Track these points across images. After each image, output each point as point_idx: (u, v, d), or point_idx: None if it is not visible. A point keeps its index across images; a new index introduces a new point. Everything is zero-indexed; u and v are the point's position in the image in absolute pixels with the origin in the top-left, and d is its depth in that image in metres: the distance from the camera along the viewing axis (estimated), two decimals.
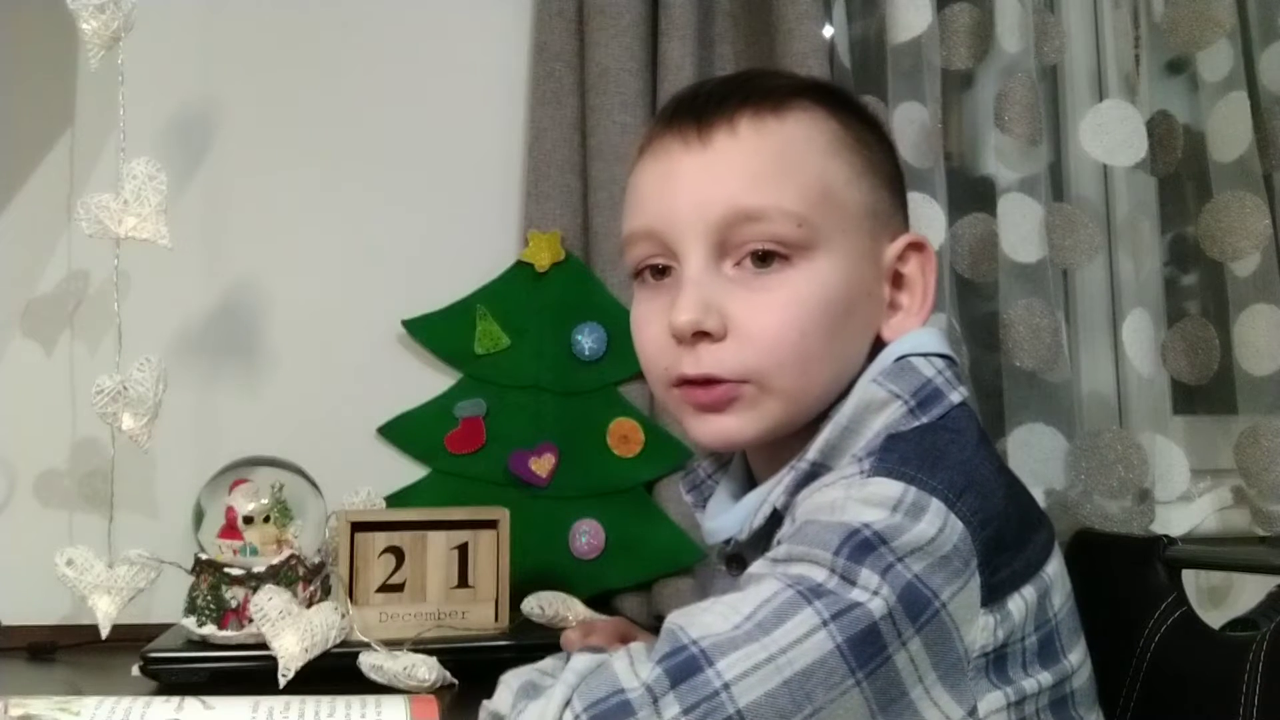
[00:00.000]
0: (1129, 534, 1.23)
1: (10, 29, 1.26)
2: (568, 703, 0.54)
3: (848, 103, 0.73)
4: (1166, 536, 0.81)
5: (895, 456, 0.60)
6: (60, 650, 1.11)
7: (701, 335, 0.65)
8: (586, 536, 1.24)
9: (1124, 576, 0.81)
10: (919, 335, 0.69)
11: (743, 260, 0.66)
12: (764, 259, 0.66)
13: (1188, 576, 0.80)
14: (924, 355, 0.66)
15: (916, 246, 0.71)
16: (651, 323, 0.69)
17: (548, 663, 0.61)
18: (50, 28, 1.22)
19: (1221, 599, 1.32)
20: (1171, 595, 0.78)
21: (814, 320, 0.65)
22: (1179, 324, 1.39)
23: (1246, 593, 0.95)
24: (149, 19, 1.08)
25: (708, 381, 0.66)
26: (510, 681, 0.59)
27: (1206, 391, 1.39)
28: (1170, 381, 1.39)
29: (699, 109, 0.68)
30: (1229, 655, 0.69)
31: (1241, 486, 1.34)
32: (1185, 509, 1.36)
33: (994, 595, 0.58)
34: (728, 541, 0.71)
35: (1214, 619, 0.78)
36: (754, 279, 0.66)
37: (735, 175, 0.66)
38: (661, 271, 0.69)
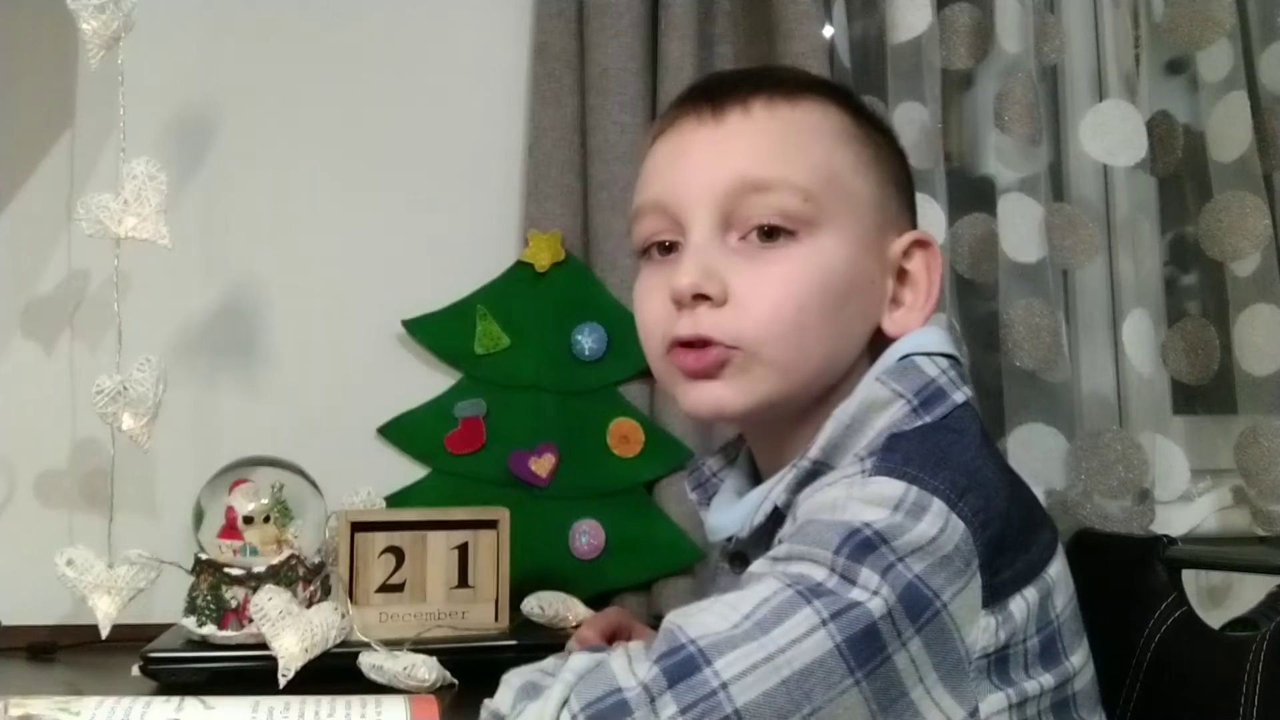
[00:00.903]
0: (1129, 534, 1.23)
1: (10, 29, 1.26)
2: (565, 702, 0.54)
3: (858, 104, 0.74)
4: (1166, 536, 0.81)
5: (897, 456, 0.60)
6: (60, 650, 1.11)
7: (701, 299, 0.66)
8: (586, 536, 1.24)
9: (1124, 576, 0.81)
10: (923, 334, 0.69)
11: (748, 234, 0.67)
12: (770, 234, 0.67)
13: (1188, 576, 0.80)
14: (928, 355, 0.66)
15: (922, 244, 0.71)
16: (654, 294, 0.69)
17: (549, 662, 0.61)
18: (50, 28, 1.22)
19: (1221, 599, 1.32)
20: (1171, 595, 0.78)
21: (813, 297, 0.66)
22: (1179, 324, 1.39)
23: (1246, 593, 0.95)
24: (149, 19, 1.08)
25: (699, 346, 0.66)
26: (511, 681, 0.59)
27: (1206, 391, 1.39)
28: (1170, 381, 1.39)
29: (713, 91, 0.70)
30: (1229, 655, 0.69)
31: (1241, 486, 1.34)
32: (1185, 509, 1.36)
33: (995, 596, 0.58)
34: (730, 539, 0.71)
35: (1214, 619, 0.78)
36: (758, 252, 0.67)
37: (745, 149, 0.67)
38: (668, 249, 0.70)
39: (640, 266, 0.73)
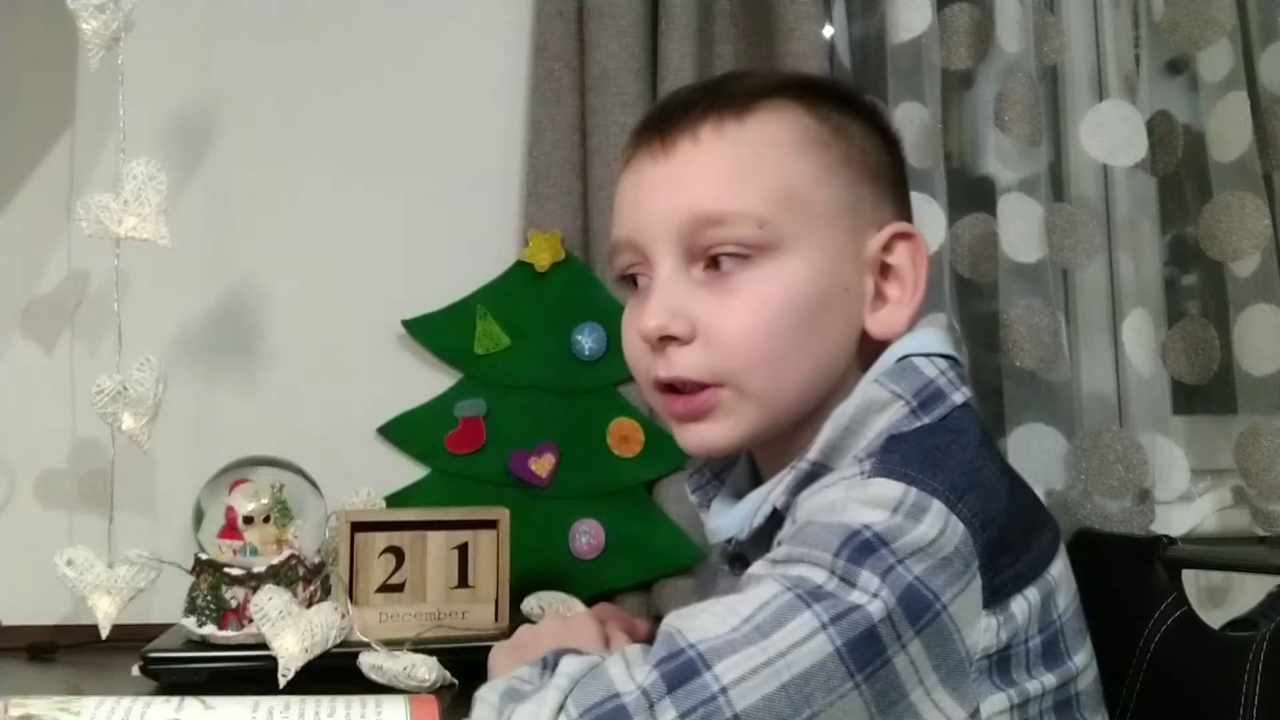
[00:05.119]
0: (1129, 534, 1.23)
1: (10, 29, 1.26)
2: (562, 706, 0.54)
3: (829, 96, 0.71)
4: (1166, 536, 0.81)
5: (896, 457, 0.60)
6: (60, 650, 1.11)
7: (669, 339, 0.67)
8: (586, 536, 1.24)
9: (1124, 576, 0.81)
10: (921, 335, 0.68)
11: (709, 264, 0.67)
12: (730, 259, 0.66)
13: (1188, 576, 0.80)
14: (927, 355, 0.66)
15: (904, 236, 0.69)
16: (633, 327, 0.70)
17: (525, 671, 0.60)
18: (50, 28, 1.22)
19: (1221, 599, 1.32)
20: (1171, 595, 0.78)
21: (782, 320, 0.66)
22: (1179, 324, 1.39)
23: (1246, 593, 0.95)
24: (149, 19, 1.08)
25: (684, 388, 0.67)
26: (487, 696, 0.58)
27: (1206, 391, 1.39)
28: (1170, 381, 1.39)
29: (664, 120, 0.69)
30: (1229, 655, 0.69)
31: (1241, 486, 1.34)
32: (1185, 509, 1.36)
33: (996, 597, 0.58)
34: (730, 541, 0.71)
35: (1214, 619, 0.77)
36: (720, 281, 0.67)
37: (696, 182, 0.67)
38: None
39: (625, 294, 0.74)
